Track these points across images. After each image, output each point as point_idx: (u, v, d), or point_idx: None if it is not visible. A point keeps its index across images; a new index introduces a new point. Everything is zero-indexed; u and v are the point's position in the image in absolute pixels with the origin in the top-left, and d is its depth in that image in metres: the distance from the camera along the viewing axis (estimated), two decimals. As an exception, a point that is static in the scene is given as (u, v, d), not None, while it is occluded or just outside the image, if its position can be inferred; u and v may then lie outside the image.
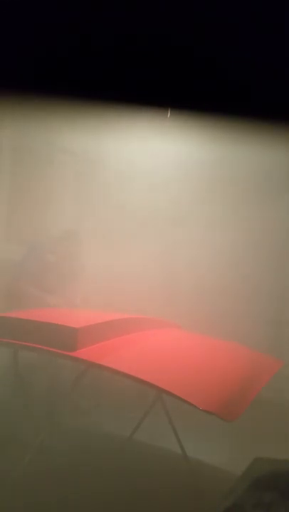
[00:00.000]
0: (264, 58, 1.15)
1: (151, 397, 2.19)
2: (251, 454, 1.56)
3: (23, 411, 2.31)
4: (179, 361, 1.76)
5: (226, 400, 1.42)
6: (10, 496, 1.71)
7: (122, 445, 2.29)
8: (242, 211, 3.15)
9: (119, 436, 2.36)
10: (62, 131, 2.80)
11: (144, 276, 3.14)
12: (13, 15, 1.11)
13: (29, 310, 2.31)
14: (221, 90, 1.21)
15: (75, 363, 1.82)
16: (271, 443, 2.03)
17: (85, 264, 2.98)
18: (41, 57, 1.17)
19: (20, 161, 3.29)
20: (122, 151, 3.20)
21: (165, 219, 3.27)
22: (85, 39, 1.15)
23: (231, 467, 1.98)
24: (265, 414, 2.22)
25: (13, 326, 1.79)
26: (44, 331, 1.69)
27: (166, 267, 3.21)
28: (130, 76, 1.18)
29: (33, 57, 1.17)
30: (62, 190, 3.34)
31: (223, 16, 1.11)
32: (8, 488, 1.73)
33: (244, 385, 1.62)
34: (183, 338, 2.25)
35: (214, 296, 3.06)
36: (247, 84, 1.18)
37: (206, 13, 1.11)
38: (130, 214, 3.27)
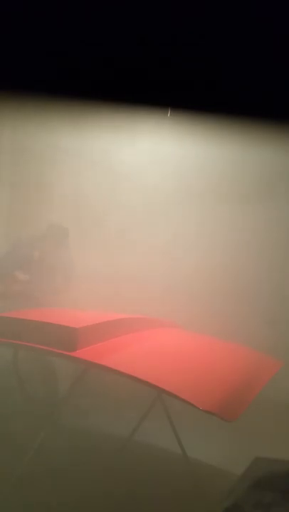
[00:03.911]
0: (264, 58, 1.15)
1: (151, 397, 2.19)
2: (251, 454, 1.56)
3: (22, 411, 2.32)
4: (179, 361, 1.76)
5: (226, 400, 1.42)
6: (10, 495, 1.71)
7: (122, 445, 2.29)
8: (242, 211, 3.15)
9: (118, 436, 2.35)
10: (62, 131, 2.80)
11: (145, 276, 3.14)
12: (12, 15, 1.11)
13: (29, 310, 2.31)
14: (222, 90, 1.21)
15: (75, 363, 1.82)
16: (271, 443, 2.03)
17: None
18: (41, 57, 1.17)
19: (20, 161, 3.29)
20: (122, 151, 3.20)
21: (166, 219, 3.27)
22: (85, 38, 1.15)
23: (231, 467, 1.98)
24: (265, 414, 2.22)
25: (13, 326, 1.79)
26: (44, 331, 1.69)
27: (166, 267, 3.21)
28: (130, 75, 1.18)
29: (33, 57, 1.17)
30: (61, 189, 3.34)
31: (223, 16, 1.12)
32: (8, 488, 1.73)
33: (244, 386, 1.62)
34: (183, 339, 2.25)
35: (214, 296, 3.06)
36: (247, 84, 1.19)
37: (206, 12, 1.11)
38: (131, 213, 3.27)
